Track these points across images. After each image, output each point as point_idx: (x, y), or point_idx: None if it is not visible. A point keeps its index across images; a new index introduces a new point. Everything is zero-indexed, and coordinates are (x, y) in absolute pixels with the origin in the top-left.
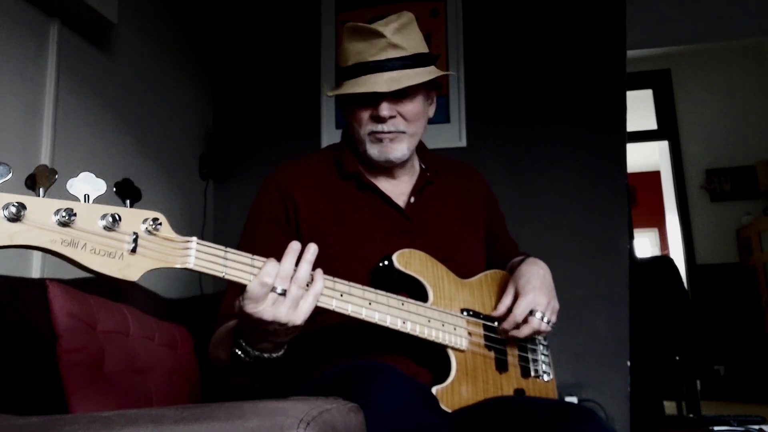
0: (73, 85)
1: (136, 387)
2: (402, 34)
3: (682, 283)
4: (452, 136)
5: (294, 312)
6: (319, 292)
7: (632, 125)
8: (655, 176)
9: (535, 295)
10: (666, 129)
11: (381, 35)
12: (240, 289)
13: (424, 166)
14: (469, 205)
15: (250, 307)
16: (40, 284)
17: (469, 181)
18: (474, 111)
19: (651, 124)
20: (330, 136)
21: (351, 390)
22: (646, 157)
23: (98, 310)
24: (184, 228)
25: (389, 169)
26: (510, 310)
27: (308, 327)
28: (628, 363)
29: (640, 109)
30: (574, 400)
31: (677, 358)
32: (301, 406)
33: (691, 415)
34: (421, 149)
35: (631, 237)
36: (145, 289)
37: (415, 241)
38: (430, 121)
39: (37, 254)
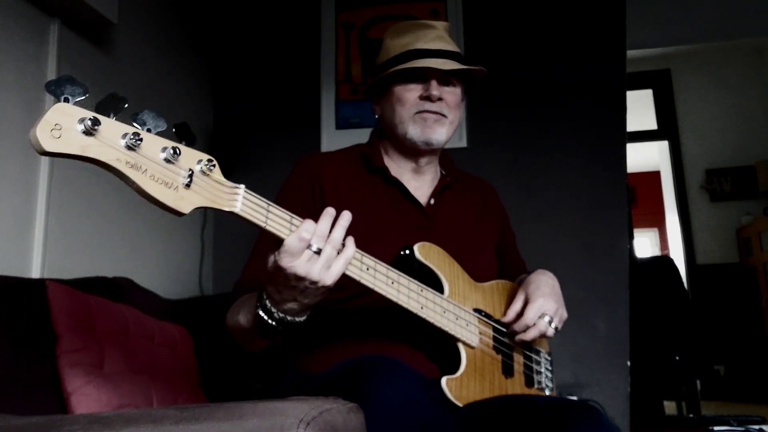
0: None
1: (136, 387)
2: (448, 33)
3: (682, 283)
4: (453, 137)
5: (326, 272)
6: (350, 256)
7: (632, 125)
8: (655, 176)
9: (545, 300)
10: (666, 129)
11: (433, 27)
12: (274, 245)
13: (444, 173)
14: (483, 217)
15: (286, 261)
16: (40, 284)
17: (486, 195)
18: (474, 111)
19: (651, 124)
20: (330, 135)
21: (357, 386)
22: (646, 157)
23: (98, 310)
24: (184, 228)
25: (417, 161)
26: (519, 315)
27: (318, 317)
28: (628, 363)
29: (640, 109)
30: (573, 399)
31: (677, 358)
32: (301, 406)
33: (691, 415)
34: (442, 157)
35: (631, 237)
36: (145, 290)
37: (432, 238)
38: None
39: (37, 254)
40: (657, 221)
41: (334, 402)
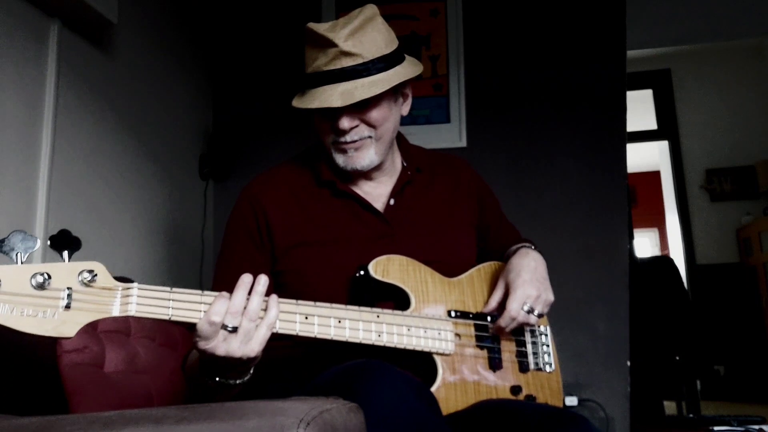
0: (73, 85)
1: (137, 387)
2: (356, 38)
3: (682, 283)
4: (452, 136)
5: (247, 345)
6: (272, 321)
7: (632, 125)
8: (655, 176)
9: (524, 289)
10: (666, 129)
11: (332, 44)
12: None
13: (405, 164)
14: (456, 201)
15: (202, 344)
16: None
17: (456, 175)
18: (474, 111)
19: (651, 124)
20: None
21: (350, 389)
22: (646, 157)
23: None
24: (184, 227)
25: (366, 172)
26: (501, 305)
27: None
28: (628, 363)
29: (640, 109)
30: (574, 399)
31: (677, 358)
32: (301, 406)
33: (691, 415)
34: (403, 145)
35: (631, 237)
36: None
37: (395, 245)
38: (430, 121)
39: (38, 253)
40: (657, 221)
41: (334, 402)
